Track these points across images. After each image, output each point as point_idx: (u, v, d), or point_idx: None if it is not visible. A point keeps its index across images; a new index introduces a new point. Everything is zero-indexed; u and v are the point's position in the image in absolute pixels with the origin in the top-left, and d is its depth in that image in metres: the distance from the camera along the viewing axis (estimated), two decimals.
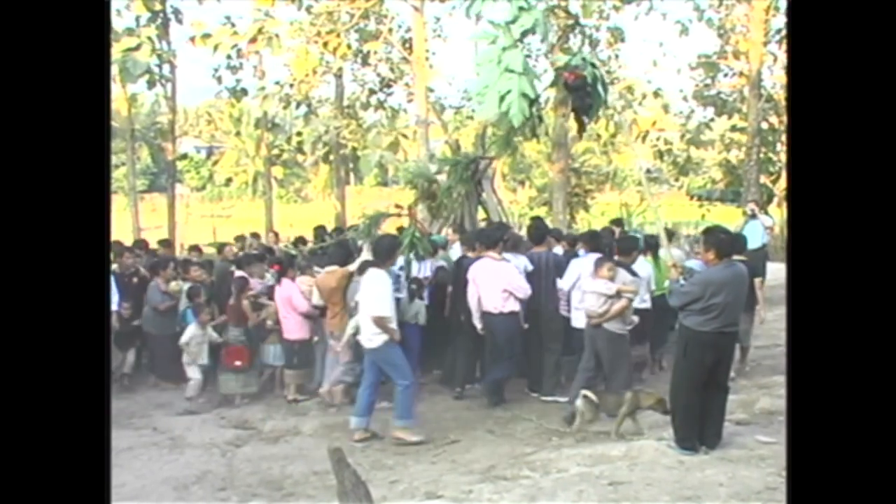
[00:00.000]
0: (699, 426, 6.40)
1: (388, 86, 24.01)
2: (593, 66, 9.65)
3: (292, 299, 9.59)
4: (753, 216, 13.76)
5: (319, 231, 14.37)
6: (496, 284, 8.70)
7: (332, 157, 27.50)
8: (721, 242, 6.42)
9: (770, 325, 10.92)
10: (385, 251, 7.95)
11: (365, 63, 23.11)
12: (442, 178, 11.71)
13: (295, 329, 9.64)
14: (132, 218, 20.08)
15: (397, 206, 11.48)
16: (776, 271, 14.32)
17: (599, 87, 9.63)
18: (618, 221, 14.15)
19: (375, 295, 7.63)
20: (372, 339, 7.69)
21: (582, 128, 11.00)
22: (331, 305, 9.14)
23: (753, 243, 12.82)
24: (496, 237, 9.01)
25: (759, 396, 7.94)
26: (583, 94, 9.68)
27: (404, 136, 36.17)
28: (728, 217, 18.78)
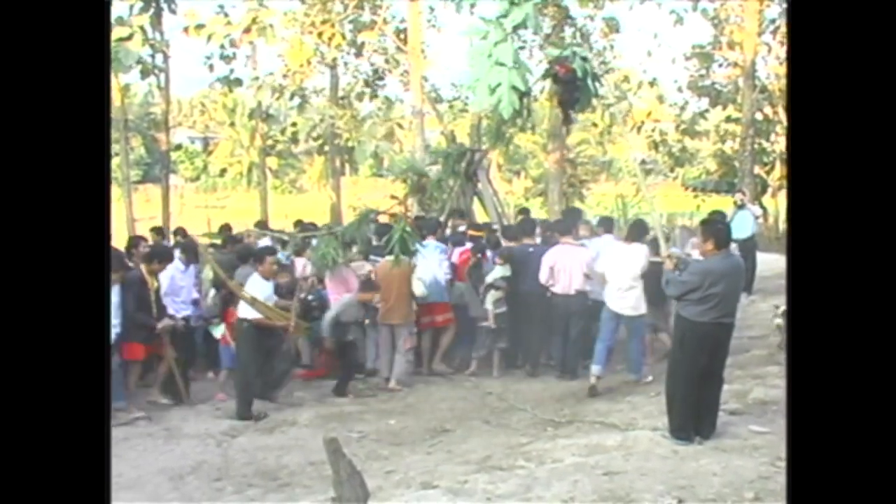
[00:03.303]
0: (694, 416, 6.42)
1: (382, 77, 23.96)
2: (584, 59, 9.69)
3: (349, 283, 9.79)
4: (742, 206, 13.76)
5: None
6: (577, 267, 9.50)
7: (326, 148, 27.46)
8: (720, 233, 6.44)
9: (764, 315, 10.95)
10: (638, 231, 9.19)
11: (359, 54, 23.04)
12: (436, 168, 11.71)
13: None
14: (126, 209, 20.02)
15: (393, 198, 11.49)
16: (771, 262, 14.36)
17: (589, 81, 9.68)
18: (524, 210, 14.25)
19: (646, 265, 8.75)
20: (641, 305, 8.86)
21: (567, 120, 11.14)
22: (387, 295, 9.54)
23: (743, 233, 12.85)
24: (570, 225, 10.22)
25: (753, 386, 7.96)
26: (571, 87, 9.76)
27: (400, 126, 36.11)
28: (722, 208, 18.78)
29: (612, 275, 8.87)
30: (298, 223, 14.30)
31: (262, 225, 14.24)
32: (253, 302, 8.53)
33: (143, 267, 8.99)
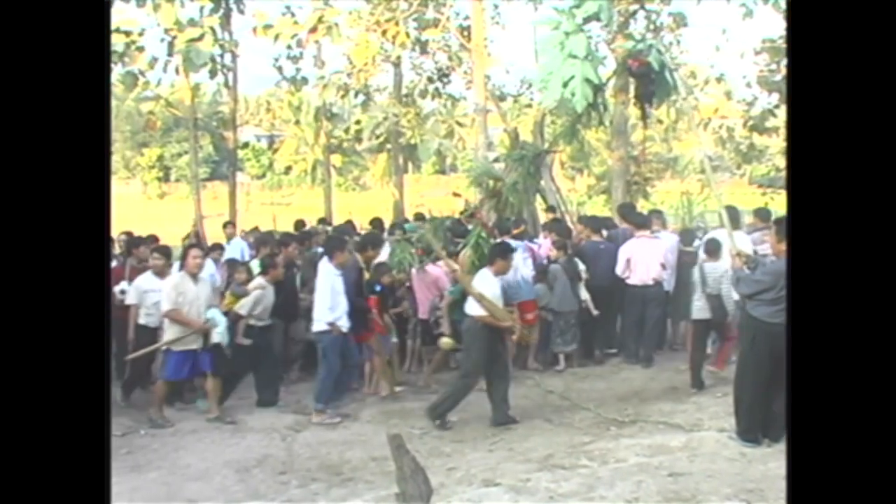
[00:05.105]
0: (763, 418, 6.29)
1: (446, 74, 23.97)
2: (659, 52, 9.49)
3: (440, 282, 10.01)
4: None
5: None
6: (653, 259, 10.13)
7: (389, 146, 27.64)
8: None
9: None
10: (733, 217, 9.03)
11: (423, 51, 23.11)
12: (500, 166, 11.65)
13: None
14: (194, 205, 20.47)
15: (455, 195, 11.49)
16: None
17: (667, 74, 9.47)
18: (551, 208, 13.97)
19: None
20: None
21: (644, 115, 10.94)
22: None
23: None
24: (645, 219, 10.75)
25: None
26: (647, 81, 9.56)
27: (462, 124, 36.12)
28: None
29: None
30: (321, 221, 14.56)
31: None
32: (481, 299, 8.01)
33: (358, 255, 9.13)
